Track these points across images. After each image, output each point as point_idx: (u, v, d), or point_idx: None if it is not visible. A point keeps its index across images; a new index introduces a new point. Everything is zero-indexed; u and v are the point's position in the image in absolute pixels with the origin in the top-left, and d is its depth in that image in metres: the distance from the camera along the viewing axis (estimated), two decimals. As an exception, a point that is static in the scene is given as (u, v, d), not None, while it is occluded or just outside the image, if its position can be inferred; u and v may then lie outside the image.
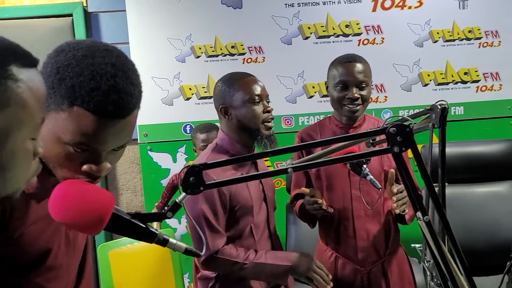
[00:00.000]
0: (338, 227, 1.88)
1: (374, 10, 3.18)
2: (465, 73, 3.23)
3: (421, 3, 3.16)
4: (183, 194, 0.96)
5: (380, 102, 3.24)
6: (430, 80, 3.23)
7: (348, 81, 1.79)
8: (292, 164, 0.98)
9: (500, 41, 3.20)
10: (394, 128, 0.96)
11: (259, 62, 3.20)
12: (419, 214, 0.99)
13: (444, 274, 1.02)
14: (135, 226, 0.94)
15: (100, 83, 0.87)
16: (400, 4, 3.17)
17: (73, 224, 0.90)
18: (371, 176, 1.55)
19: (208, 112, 3.12)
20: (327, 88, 1.89)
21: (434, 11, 3.17)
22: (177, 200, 0.96)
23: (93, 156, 0.92)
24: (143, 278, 2.24)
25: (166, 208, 0.97)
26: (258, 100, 1.66)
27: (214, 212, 1.61)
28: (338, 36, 3.20)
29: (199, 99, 3.16)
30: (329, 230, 1.91)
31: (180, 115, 3.17)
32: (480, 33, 3.19)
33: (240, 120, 1.67)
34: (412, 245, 2.70)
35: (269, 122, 1.68)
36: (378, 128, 0.98)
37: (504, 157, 2.64)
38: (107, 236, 3.10)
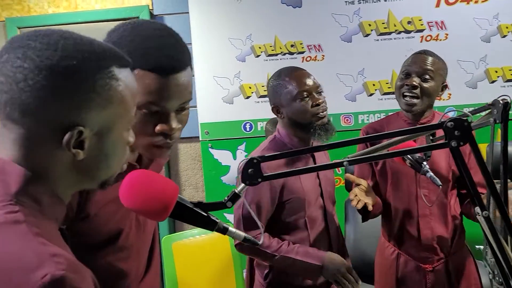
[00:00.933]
0: (402, 224, 1.86)
1: (437, 5, 3.09)
2: (537, 69, 3.07)
3: (488, -3, 3.05)
4: (242, 185, 1.00)
5: (443, 100, 3.15)
6: (498, 77, 3.10)
7: (411, 70, 1.76)
8: (348, 158, 1.00)
9: None
10: (452, 123, 0.95)
11: (318, 60, 3.21)
12: (477, 209, 0.98)
13: (505, 271, 1.00)
14: (197, 214, 1.00)
15: (151, 44, 0.98)
16: (466, -2, 3.07)
17: (140, 210, 0.97)
18: (431, 173, 1.54)
19: (268, 110, 3.13)
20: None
21: (503, 4, 3.04)
22: (236, 191, 1.00)
23: (163, 117, 1.01)
24: (204, 269, 2.32)
25: (225, 198, 1.01)
26: (306, 95, 1.66)
27: (258, 203, 1.65)
28: (399, 32, 3.15)
29: (259, 97, 3.21)
30: (392, 227, 1.89)
31: (240, 113, 3.24)
32: (553, 27, 3.03)
33: (290, 117, 1.69)
34: (477, 246, 2.62)
35: (321, 113, 1.67)
36: (436, 123, 0.98)
37: None
38: (170, 228, 3.23)
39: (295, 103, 1.66)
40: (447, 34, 3.11)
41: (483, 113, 1.23)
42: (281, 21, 3.18)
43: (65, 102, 0.69)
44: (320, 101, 1.67)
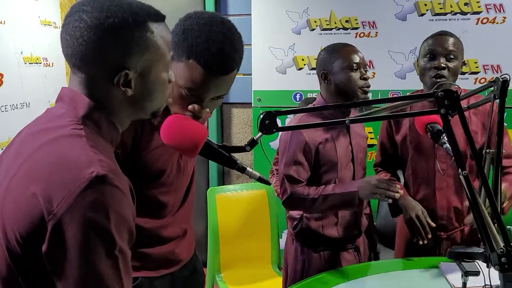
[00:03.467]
0: (420, 195, 2.00)
1: (497, -13, 3.08)
2: None
3: (552, -20, 3.00)
4: (260, 133, 1.21)
5: None
6: (554, 63, 3.07)
7: (436, 51, 1.85)
8: (350, 117, 1.18)
9: None
10: (442, 93, 1.10)
11: (371, 37, 3.30)
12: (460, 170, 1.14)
13: (483, 231, 1.15)
14: (221, 154, 1.23)
15: (212, 46, 1.19)
16: (528, -19, 3.03)
17: (176, 146, 1.22)
18: (448, 145, 1.66)
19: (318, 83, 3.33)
20: (418, 65, 1.98)
21: None
22: (254, 138, 1.21)
23: (197, 100, 1.24)
24: (243, 220, 2.57)
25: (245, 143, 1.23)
26: (356, 68, 1.82)
27: (297, 165, 1.84)
28: (455, 14, 3.17)
29: (310, 69, 3.37)
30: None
31: (292, 84, 3.42)
32: None
33: (338, 84, 1.84)
34: (508, 226, 2.68)
35: (366, 88, 1.83)
36: (429, 92, 1.14)
37: None
38: (219, 182, 3.52)
39: (345, 72, 1.82)
40: (504, 17, 3.09)
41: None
42: (338, -3, 3.30)
43: (112, 52, 0.91)
44: (367, 76, 1.85)
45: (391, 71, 3.29)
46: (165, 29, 1.00)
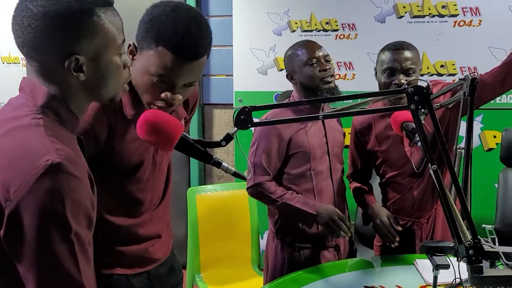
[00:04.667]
0: (397, 191, 2.04)
1: (473, -9, 3.15)
2: None
3: (525, -15, 3.07)
4: (235, 128, 1.23)
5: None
6: (529, 66, 3.13)
7: (395, 68, 1.88)
8: (324, 112, 1.20)
9: None
10: (412, 89, 1.13)
11: (351, 38, 3.34)
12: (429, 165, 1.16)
13: (452, 224, 1.18)
14: (196, 149, 1.24)
15: (179, 30, 1.19)
16: (502, -15, 3.10)
17: (151, 140, 1.22)
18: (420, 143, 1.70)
19: (299, 84, 3.38)
20: (376, 72, 2.01)
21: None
22: (230, 132, 1.23)
23: (169, 87, 1.24)
24: (223, 220, 2.58)
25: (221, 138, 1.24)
26: (314, 62, 1.87)
27: (268, 153, 1.88)
28: (433, 16, 3.23)
29: (291, 70, 3.40)
30: (387, 194, 2.08)
31: (273, 85, 3.43)
32: None
33: (302, 82, 1.90)
34: (483, 225, 2.74)
35: (327, 78, 1.87)
36: (400, 88, 1.16)
37: None
38: (201, 183, 3.53)
39: (305, 68, 1.88)
40: (480, 20, 3.16)
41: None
42: (318, -1, 3.33)
43: (61, 38, 0.93)
44: (327, 67, 1.88)
45: (370, 72, 3.30)
46: (114, 13, 1.01)
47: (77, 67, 0.95)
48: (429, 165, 1.16)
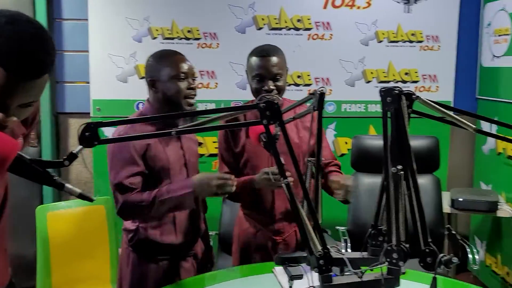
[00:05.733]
0: (259, 200, 2.06)
1: (325, 7, 3.36)
2: (406, 74, 3.45)
3: (369, 4, 3.37)
4: (79, 146, 1.12)
5: (327, 95, 3.44)
6: (373, 78, 3.44)
7: (263, 75, 1.93)
8: (178, 128, 1.16)
9: (439, 46, 3.43)
10: (264, 104, 1.14)
11: (213, 48, 3.36)
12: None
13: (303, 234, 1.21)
14: (34, 170, 1.10)
15: (16, 48, 1.04)
16: (350, 3, 3.36)
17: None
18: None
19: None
20: (247, 75, 2.05)
21: (380, 12, 3.37)
22: (73, 151, 1.12)
23: (2, 108, 1.08)
24: (78, 238, 2.39)
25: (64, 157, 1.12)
26: (183, 77, 1.83)
27: (126, 169, 1.78)
28: (289, 29, 3.38)
29: (153, 78, 3.30)
30: (249, 203, 2.10)
31: (133, 93, 3.31)
32: (422, 37, 3.41)
33: (165, 93, 1.84)
34: (336, 227, 2.92)
35: (191, 98, 1.85)
36: (252, 104, 1.16)
37: (427, 152, 2.88)
38: (55, 200, 3.25)
39: (173, 80, 1.83)
40: (331, 35, 3.39)
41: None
42: (180, 7, 3.29)
43: None
44: (193, 86, 1.87)
45: (233, 81, 3.38)
46: None
47: None
48: (281, 179, 1.18)
